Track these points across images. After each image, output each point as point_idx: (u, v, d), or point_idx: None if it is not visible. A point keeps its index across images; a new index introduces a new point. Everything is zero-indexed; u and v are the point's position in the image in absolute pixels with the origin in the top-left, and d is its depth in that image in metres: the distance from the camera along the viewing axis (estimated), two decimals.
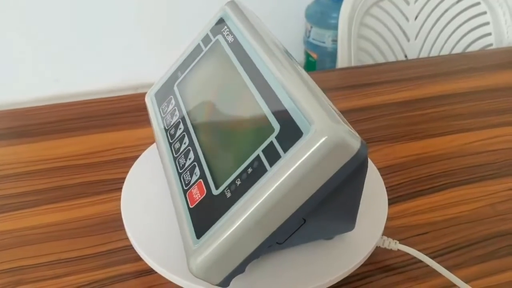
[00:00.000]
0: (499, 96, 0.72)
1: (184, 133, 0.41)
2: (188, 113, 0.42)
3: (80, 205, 0.51)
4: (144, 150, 0.50)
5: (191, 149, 0.39)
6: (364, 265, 0.42)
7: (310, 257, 0.39)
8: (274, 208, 0.30)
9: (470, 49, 1.06)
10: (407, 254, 0.43)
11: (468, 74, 0.78)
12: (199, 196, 0.35)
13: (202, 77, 0.43)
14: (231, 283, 0.33)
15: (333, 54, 1.60)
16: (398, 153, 0.60)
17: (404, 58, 1.08)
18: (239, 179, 0.32)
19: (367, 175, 0.34)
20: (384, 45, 1.06)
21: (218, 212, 0.32)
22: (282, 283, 0.38)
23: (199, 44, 0.46)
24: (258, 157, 0.32)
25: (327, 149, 0.29)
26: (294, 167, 0.29)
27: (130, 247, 0.42)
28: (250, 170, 0.32)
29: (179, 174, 0.38)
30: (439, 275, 0.43)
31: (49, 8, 1.51)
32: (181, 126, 0.42)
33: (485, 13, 1.04)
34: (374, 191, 0.45)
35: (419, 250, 0.43)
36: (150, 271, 0.43)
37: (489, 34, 1.04)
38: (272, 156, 0.31)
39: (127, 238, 0.42)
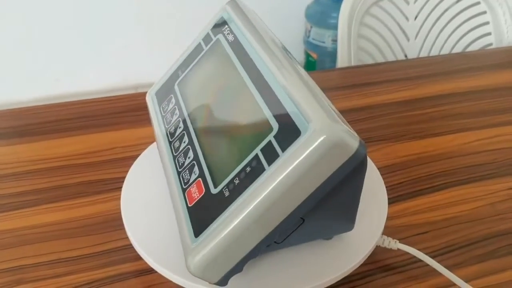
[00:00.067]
0: (499, 95, 0.72)
1: (184, 132, 0.41)
2: (188, 112, 0.42)
3: (80, 205, 0.51)
4: (144, 149, 0.50)
5: (190, 148, 0.39)
6: (364, 264, 0.42)
7: (309, 256, 0.39)
8: (272, 207, 0.30)
9: (470, 48, 1.06)
10: (407, 253, 0.43)
11: (468, 73, 0.78)
12: (198, 195, 0.35)
13: (203, 76, 0.43)
14: (229, 282, 0.33)
15: (333, 54, 1.60)
16: (398, 153, 0.60)
17: (404, 58, 1.08)
18: (237, 178, 0.32)
19: (367, 174, 0.34)
20: (384, 44, 1.06)
21: (216, 211, 0.32)
22: (280, 283, 0.38)
23: (200, 43, 0.46)
24: (256, 156, 0.32)
25: (325, 149, 0.29)
26: (292, 166, 0.29)
27: (130, 247, 0.42)
28: (248, 169, 0.32)
29: (178, 173, 0.38)
30: (439, 274, 0.43)
31: (49, 8, 1.52)
32: (181, 125, 0.42)
33: (485, 12, 1.04)
34: (374, 190, 0.45)
35: (419, 250, 0.43)
36: (150, 271, 0.43)
37: (489, 33, 1.04)
38: (271, 155, 0.31)
39: (127, 238, 0.42)
